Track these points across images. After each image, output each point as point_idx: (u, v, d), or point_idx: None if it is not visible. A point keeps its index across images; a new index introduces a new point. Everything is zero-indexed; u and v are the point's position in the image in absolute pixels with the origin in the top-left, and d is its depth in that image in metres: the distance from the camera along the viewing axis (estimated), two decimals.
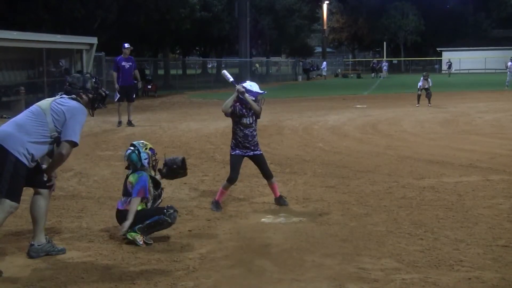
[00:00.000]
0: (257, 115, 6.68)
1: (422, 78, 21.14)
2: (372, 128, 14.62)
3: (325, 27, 65.83)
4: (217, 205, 6.74)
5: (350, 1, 72.16)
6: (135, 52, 15.81)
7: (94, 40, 23.48)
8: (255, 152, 6.75)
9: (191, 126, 15.59)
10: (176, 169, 6.15)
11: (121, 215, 5.50)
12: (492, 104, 20.97)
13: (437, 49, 66.84)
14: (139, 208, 5.48)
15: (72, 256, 5.09)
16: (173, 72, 45.12)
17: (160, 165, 6.05)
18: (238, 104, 6.60)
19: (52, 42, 21.30)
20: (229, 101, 6.56)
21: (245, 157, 6.74)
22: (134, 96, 15.55)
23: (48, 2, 26.14)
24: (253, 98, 6.58)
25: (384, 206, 6.75)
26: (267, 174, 6.86)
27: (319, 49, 73.88)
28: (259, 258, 5.03)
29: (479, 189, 7.54)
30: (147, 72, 38.88)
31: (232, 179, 6.74)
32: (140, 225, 5.37)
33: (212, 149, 11.41)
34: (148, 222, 5.38)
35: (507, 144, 11.45)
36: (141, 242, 5.34)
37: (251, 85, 6.67)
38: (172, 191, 7.70)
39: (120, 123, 15.22)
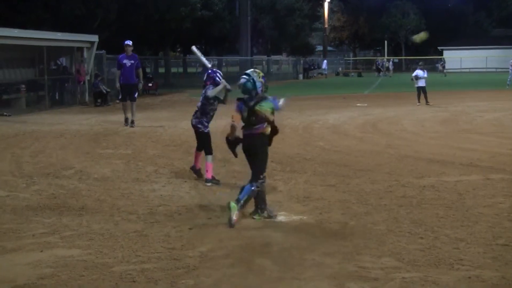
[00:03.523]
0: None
1: (417, 68, 21.29)
2: (373, 127, 14.61)
3: (326, 26, 65.74)
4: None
5: None
6: (135, 51, 15.64)
7: (95, 38, 23.46)
8: None
9: None
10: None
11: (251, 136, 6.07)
12: (492, 103, 20.93)
13: (438, 48, 66.76)
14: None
15: (73, 254, 5.09)
16: (174, 70, 45.09)
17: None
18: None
19: (52, 40, 21.27)
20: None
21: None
22: (136, 95, 15.13)
23: (48, 1, 26.07)
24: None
25: (384, 205, 6.75)
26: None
27: (320, 48, 73.77)
28: (259, 257, 5.03)
29: (479, 188, 7.54)
30: (148, 70, 38.92)
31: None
32: (240, 206, 5.91)
33: (213, 147, 11.37)
34: (244, 198, 5.93)
35: (507, 143, 11.44)
36: (235, 218, 5.89)
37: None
38: (173, 189, 7.71)
39: (127, 120, 14.83)
